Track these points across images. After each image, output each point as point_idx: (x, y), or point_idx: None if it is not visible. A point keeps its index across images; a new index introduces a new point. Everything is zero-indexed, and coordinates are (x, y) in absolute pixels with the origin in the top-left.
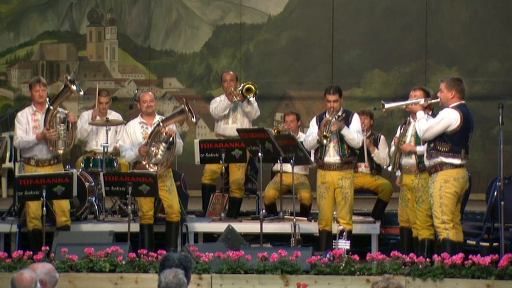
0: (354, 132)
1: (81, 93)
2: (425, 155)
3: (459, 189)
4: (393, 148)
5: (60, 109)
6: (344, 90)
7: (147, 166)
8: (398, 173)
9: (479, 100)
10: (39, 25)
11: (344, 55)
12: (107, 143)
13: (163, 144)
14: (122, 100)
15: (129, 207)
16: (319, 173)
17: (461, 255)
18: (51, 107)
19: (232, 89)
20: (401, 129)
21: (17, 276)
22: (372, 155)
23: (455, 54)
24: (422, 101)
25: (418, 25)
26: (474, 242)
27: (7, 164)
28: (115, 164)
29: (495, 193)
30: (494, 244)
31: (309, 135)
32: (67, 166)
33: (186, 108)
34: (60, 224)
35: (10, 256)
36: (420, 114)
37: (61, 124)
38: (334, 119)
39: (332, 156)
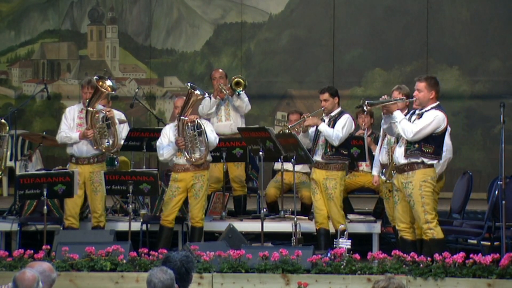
0: (332, 129)
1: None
2: (402, 154)
3: (436, 187)
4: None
5: (100, 107)
6: (345, 89)
7: (190, 161)
8: (374, 172)
9: (480, 99)
10: (40, 23)
11: (345, 54)
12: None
13: (191, 133)
14: (123, 99)
15: (130, 206)
16: (312, 170)
17: (462, 254)
18: (89, 109)
19: (222, 85)
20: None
21: (19, 275)
22: (374, 154)
23: (456, 53)
24: (400, 100)
25: (419, 24)
26: (475, 241)
27: (8, 163)
28: (116, 163)
29: (496, 192)
30: (495, 243)
31: None
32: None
33: (190, 91)
34: (96, 223)
35: (11, 255)
36: (399, 114)
37: (102, 123)
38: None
39: (317, 154)
